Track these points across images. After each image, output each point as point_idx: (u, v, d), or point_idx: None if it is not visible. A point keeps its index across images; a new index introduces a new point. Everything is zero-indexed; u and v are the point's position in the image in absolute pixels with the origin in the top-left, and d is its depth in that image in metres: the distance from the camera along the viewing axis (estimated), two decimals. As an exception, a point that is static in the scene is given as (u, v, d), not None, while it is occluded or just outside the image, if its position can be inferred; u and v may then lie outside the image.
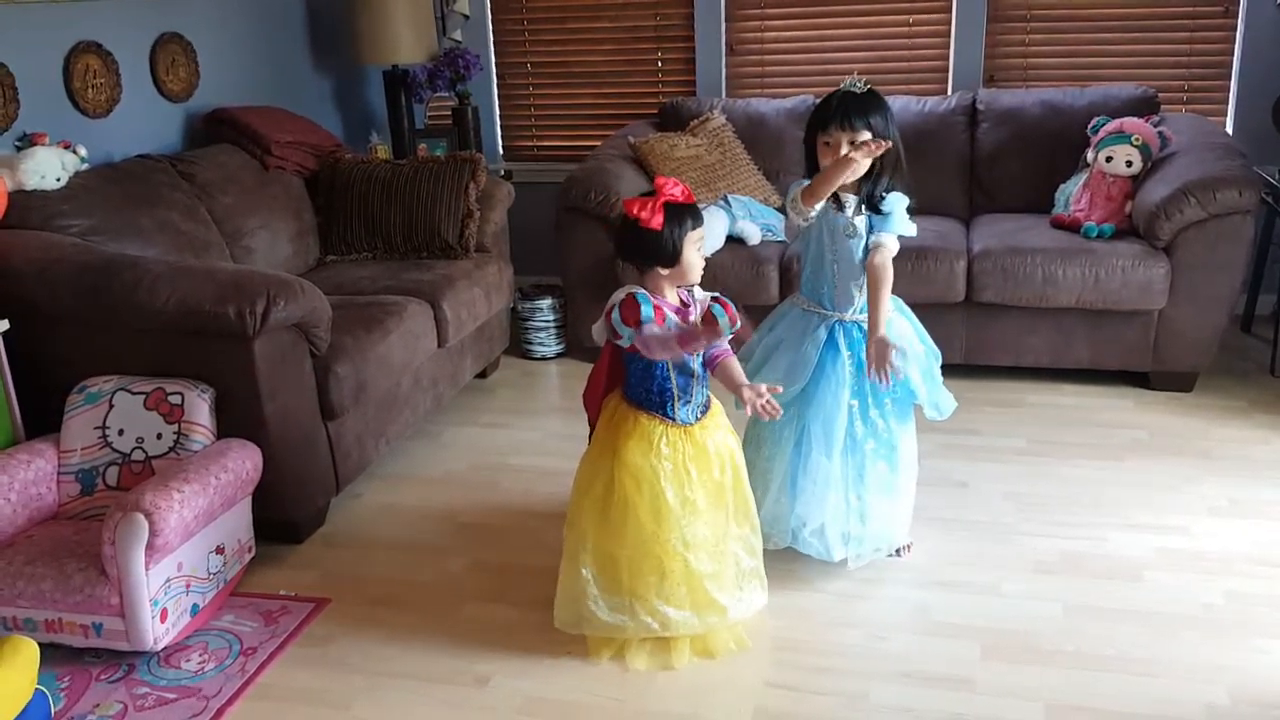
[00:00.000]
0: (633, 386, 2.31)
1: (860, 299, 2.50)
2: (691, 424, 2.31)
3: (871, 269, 2.43)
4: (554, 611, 2.41)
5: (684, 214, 2.21)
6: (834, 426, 2.50)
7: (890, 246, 2.44)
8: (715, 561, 2.33)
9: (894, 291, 2.48)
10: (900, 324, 2.53)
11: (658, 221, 2.19)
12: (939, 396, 2.58)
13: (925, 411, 2.57)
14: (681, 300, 2.29)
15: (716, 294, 2.29)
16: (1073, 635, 2.38)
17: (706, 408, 2.35)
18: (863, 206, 2.46)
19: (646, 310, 2.17)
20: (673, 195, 2.20)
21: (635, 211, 2.19)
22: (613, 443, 2.30)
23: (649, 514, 2.26)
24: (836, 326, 2.53)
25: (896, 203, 2.45)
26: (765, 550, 2.49)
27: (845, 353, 2.51)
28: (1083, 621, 2.42)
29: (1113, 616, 2.44)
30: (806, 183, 2.44)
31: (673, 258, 2.22)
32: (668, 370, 2.26)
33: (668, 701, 2.23)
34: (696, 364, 2.29)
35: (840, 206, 2.47)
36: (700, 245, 2.25)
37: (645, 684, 2.28)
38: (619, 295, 2.23)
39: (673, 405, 2.29)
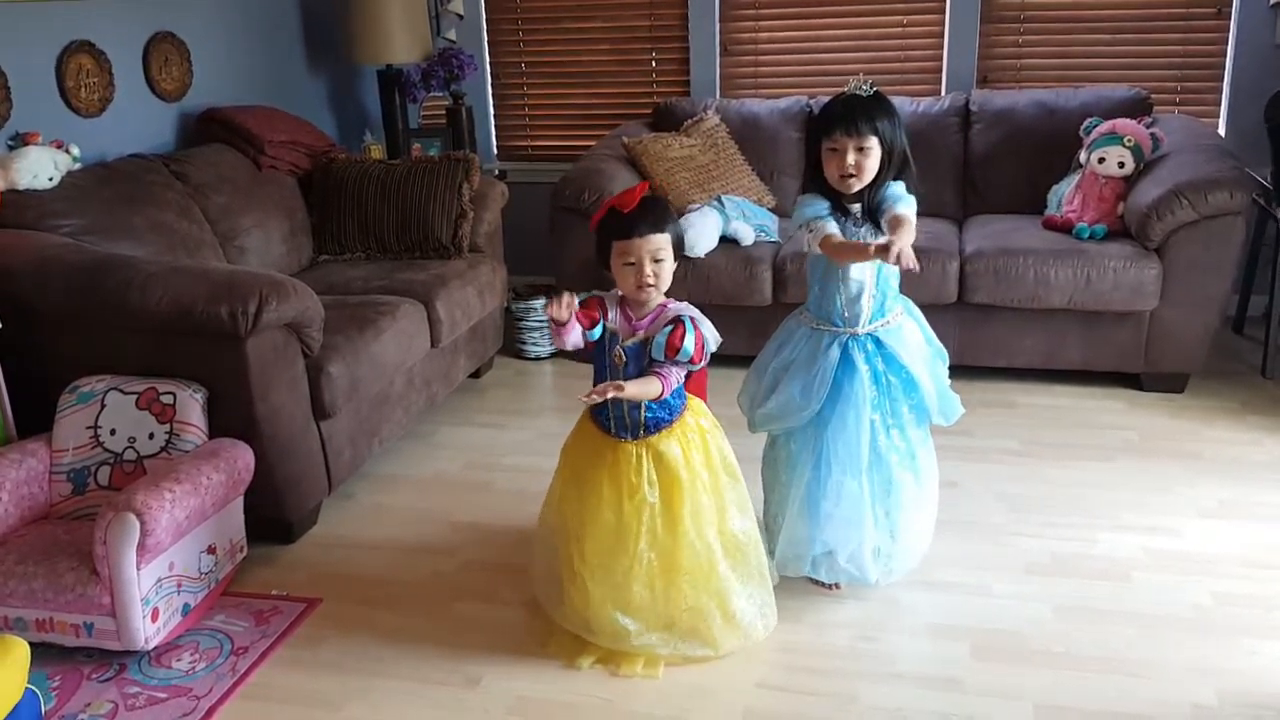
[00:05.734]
0: None
1: (871, 310, 2.41)
2: (625, 439, 2.27)
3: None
4: (535, 587, 2.51)
5: (618, 220, 2.17)
6: (857, 446, 2.39)
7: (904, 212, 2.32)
8: (617, 581, 2.27)
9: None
10: (909, 327, 2.47)
11: (593, 221, 2.22)
12: (946, 402, 2.50)
13: (932, 417, 2.50)
14: (649, 313, 2.25)
15: (682, 316, 2.21)
16: (1062, 636, 2.38)
17: (654, 429, 2.26)
18: (864, 214, 2.37)
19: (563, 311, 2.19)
20: (620, 200, 2.17)
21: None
22: (567, 444, 2.40)
23: (573, 515, 2.33)
24: (850, 342, 2.40)
25: (893, 185, 2.36)
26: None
27: (863, 367, 2.39)
28: (1072, 622, 2.43)
29: (1102, 617, 2.45)
30: (820, 211, 2.35)
31: (603, 261, 2.24)
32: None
33: (657, 703, 2.23)
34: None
35: (846, 213, 2.38)
36: (635, 259, 2.16)
37: (635, 685, 2.28)
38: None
39: (608, 417, 2.28)
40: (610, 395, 2.12)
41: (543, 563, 2.48)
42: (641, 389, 2.17)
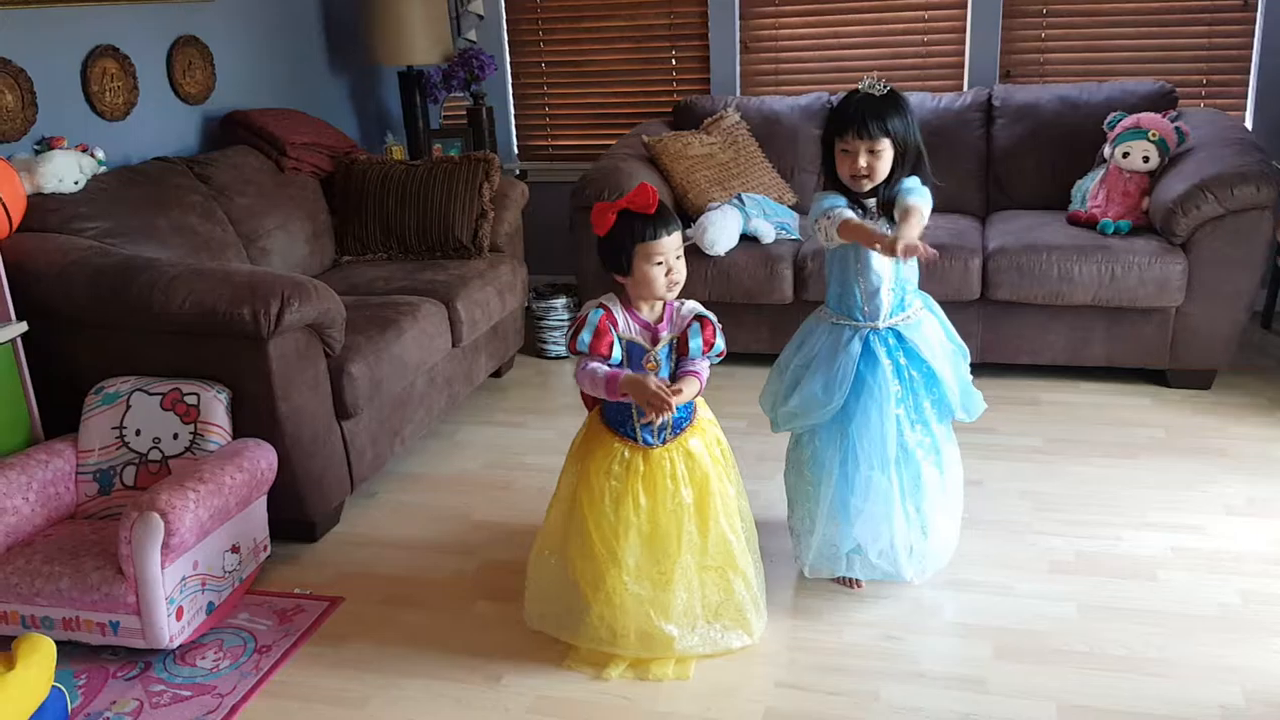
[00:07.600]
0: (605, 402, 2.29)
1: (891, 305, 2.39)
2: (653, 445, 2.25)
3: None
4: (525, 607, 2.45)
5: (641, 224, 2.14)
6: (882, 440, 2.36)
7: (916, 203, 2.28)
8: (658, 589, 2.26)
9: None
10: (929, 322, 2.44)
11: (603, 227, 2.17)
12: (969, 397, 2.48)
13: (955, 412, 2.48)
14: (661, 314, 2.24)
15: (701, 312, 2.23)
16: (1086, 635, 2.36)
17: (679, 428, 2.27)
18: (879, 209, 2.36)
19: (584, 337, 2.17)
20: (634, 203, 2.14)
21: (593, 215, 2.18)
22: (580, 455, 2.33)
23: (596, 529, 2.25)
24: (871, 336, 2.38)
25: (907, 180, 2.33)
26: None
27: (885, 361, 2.36)
28: (1097, 621, 2.41)
29: (1127, 616, 2.42)
30: (839, 202, 2.32)
31: (620, 266, 2.19)
32: None
33: (678, 702, 2.23)
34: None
35: (863, 209, 2.37)
36: (663, 259, 2.15)
37: (657, 684, 2.28)
38: (586, 308, 2.22)
39: (633, 425, 2.24)
40: (677, 404, 2.13)
41: (544, 588, 2.42)
42: (690, 391, 2.19)
